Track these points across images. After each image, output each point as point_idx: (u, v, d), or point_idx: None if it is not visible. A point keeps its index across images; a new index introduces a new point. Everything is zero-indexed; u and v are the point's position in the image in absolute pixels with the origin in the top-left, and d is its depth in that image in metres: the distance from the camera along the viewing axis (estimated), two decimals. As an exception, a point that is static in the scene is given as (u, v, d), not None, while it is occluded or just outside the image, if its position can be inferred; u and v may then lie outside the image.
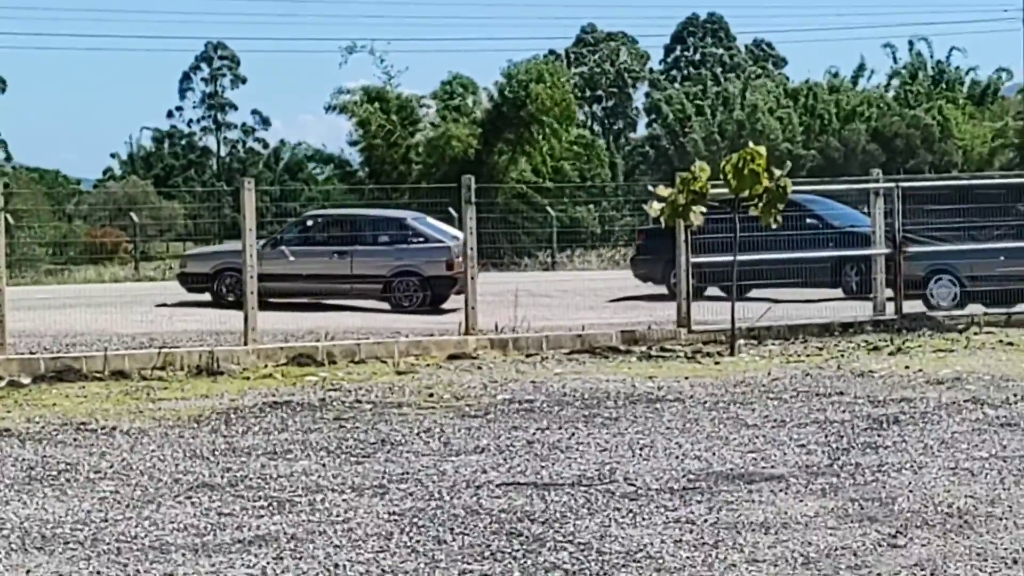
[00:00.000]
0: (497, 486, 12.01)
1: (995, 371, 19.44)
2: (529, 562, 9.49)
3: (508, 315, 25.12)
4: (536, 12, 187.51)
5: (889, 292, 26.34)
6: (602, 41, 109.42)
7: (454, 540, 10.12)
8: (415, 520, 10.76)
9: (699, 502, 11.26)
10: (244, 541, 10.18)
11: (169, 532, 10.49)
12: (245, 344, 21.94)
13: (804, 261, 28.42)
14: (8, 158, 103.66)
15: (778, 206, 23.13)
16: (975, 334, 24.51)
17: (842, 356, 21.73)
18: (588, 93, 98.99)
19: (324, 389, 18.67)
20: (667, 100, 79.20)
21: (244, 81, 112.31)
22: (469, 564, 9.46)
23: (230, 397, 17.98)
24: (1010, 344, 23.01)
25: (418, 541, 10.10)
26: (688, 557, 9.55)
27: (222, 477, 12.60)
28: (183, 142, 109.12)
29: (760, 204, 22.96)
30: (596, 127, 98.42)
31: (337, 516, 10.95)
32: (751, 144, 24.07)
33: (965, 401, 16.61)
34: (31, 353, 21.43)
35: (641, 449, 13.72)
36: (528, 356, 22.34)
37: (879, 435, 14.34)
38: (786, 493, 11.57)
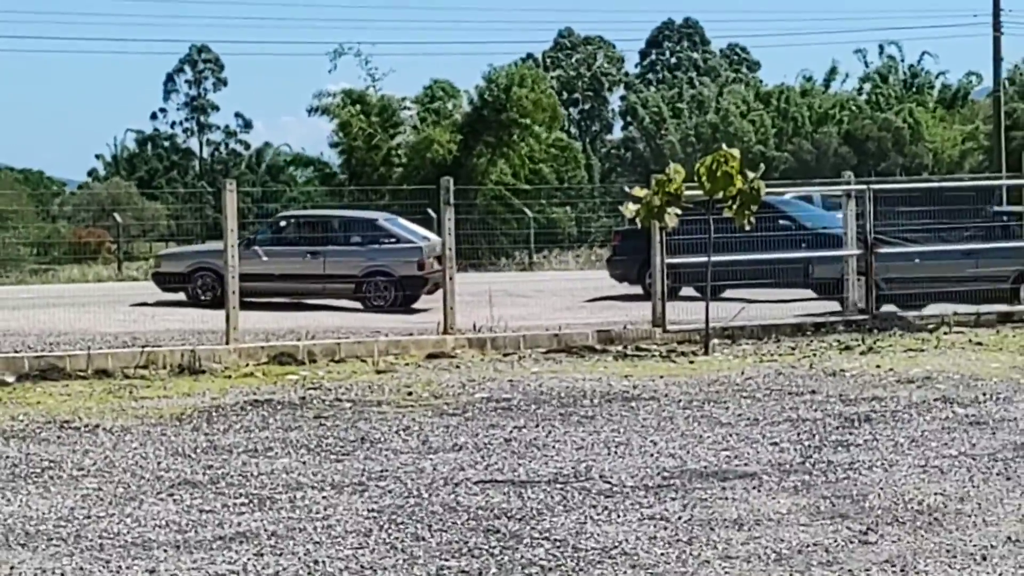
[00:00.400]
0: (475, 483, 12.02)
1: (964, 370, 19.48)
2: (506, 558, 9.50)
3: (486, 314, 25.14)
4: (516, 16, 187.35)
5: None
6: (579, 45, 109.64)
7: (432, 537, 10.13)
8: (394, 517, 10.76)
9: (673, 499, 11.27)
10: (225, 538, 10.17)
11: (151, 529, 10.48)
12: (227, 343, 21.93)
13: (777, 262, 28.46)
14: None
15: (751, 208, 23.16)
16: (945, 334, 24.54)
17: (814, 355, 21.75)
18: (565, 96, 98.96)
19: (305, 388, 18.66)
20: (643, 103, 79.35)
21: (227, 83, 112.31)
22: (447, 560, 9.47)
23: (212, 396, 17.96)
24: (979, 344, 23.05)
25: (397, 538, 10.10)
26: (662, 553, 9.56)
27: (204, 475, 12.59)
28: (166, 144, 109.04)
29: (734, 206, 22.99)
30: (573, 130, 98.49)
31: (317, 513, 10.95)
32: (725, 147, 24.10)
33: (935, 400, 16.64)
34: (15, 352, 21.39)
35: (616, 447, 13.73)
36: (506, 355, 22.34)
37: (850, 433, 14.36)
38: (759, 490, 11.59)
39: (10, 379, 19.66)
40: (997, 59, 66.92)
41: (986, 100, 72.54)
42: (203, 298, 31.84)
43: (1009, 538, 9.84)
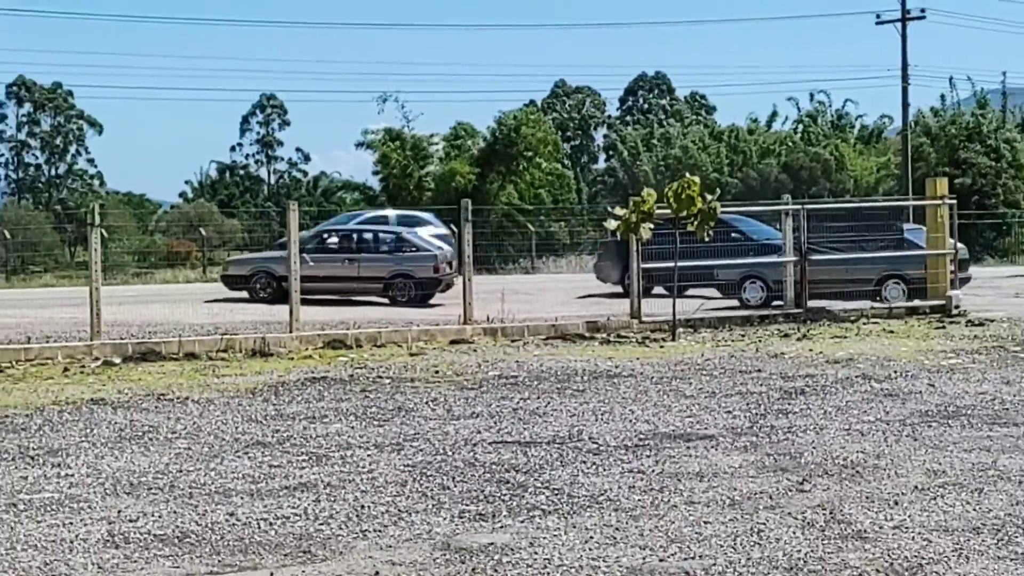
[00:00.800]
0: (489, 444, 12.01)
1: (880, 353, 19.47)
2: (515, 503, 9.49)
3: (497, 308, 25.14)
4: (520, 70, 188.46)
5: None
6: (571, 93, 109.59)
7: (455, 486, 10.12)
8: (425, 470, 10.75)
9: (648, 456, 11.26)
10: (290, 487, 10.17)
11: (230, 480, 10.48)
12: (290, 331, 21.93)
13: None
14: (103, 184, 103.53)
15: (709, 223, 23.20)
16: (864, 324, 24.54)
17: (760, 341, 21.74)
18: (559, 134, 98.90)
19: (352, 367, 18.66)
20: (622, 139, 79.11)
21: (289, 124, 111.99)
22: (467, 505, 9.46)
23: (278, 374, 17.96)
24: (891, 332, 23.04)
25: (427, 487, 10.10)
26: (639, 500, 9.55)
27: (272, 437, 12.59)
28: (241, 172, 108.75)
29: (695, 222, 23.03)
30: (566, 161, 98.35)
31: (363, 468, 10.95)
32: (688, 175, 24.16)
33: (856, 377, 16.63)
34: (121, 339, 21.41)
35: (602, 415, 13.72)
36: (513, 341, 22.34)
37: (789, 403, 14.35)
38: (716, 449, 11.58)
39: (117, 361, 19.69)
40: (905, 104, 66.92)
41: (896, 137, 72.39)
42: (261, 295, 31.91)
43: (916, 487, 9.83)
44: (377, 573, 7.72)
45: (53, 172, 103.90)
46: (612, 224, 23.94)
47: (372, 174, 69.66)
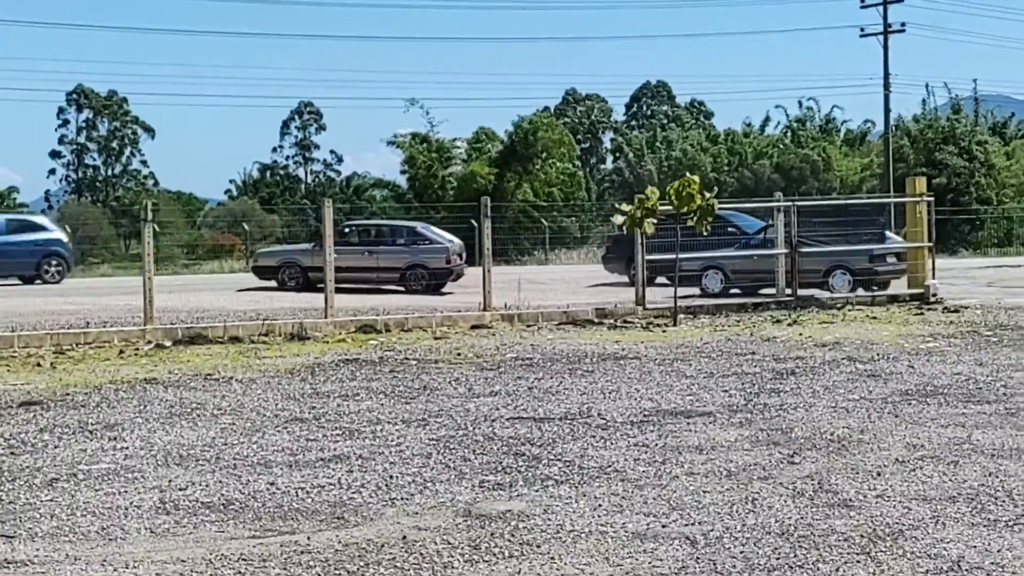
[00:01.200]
0: (507, 420, 12.00)
1: (864, 337, 19.42)
2: (530, 474, 9.48)
3: (514, 296, 25.13)
4: (535, 78, 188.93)
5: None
6: (581, 100, 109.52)
7: (476, 458, 10.12)
8: (448, 444, 10.75)
9: (651, 431, 11.24)
10: (325, 459, 10.18)
11: (271, 452, 10.49)
12: (325, 317, 21.93)
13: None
14: (155, 183, 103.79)
15: (708, 219, 23.17)
16: (849, 311, 24.49)
17: (754, 327, 21.70)
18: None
19: (382, 350, 18.66)
20: (628, 142, 79.09)
21: (325, 128, 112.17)
22: (487, 476, 9.46)
23: (314, 356, 17.97)
24: (874, 318, 22.98)
25: (450, 459, 10.09)
26: (644, 471, 9.53)
27: (309, 413, 12.60)
28: (281, 172, 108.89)
29: (695, 217, 22.99)
30: (576, 162, 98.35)
31: (392, 441, 10.95)
32: (688, 174, 24.15)
33: (842, 359, 16.59)
34: (171, 324, 21.44)
35: (610, 393, 13.71)
36: (528, 326, 22.32)
37: (780, 383, 14.32)
38: (714, 425, 11.56)
39: (168, 344, 19.71)
40: (887, 110, 66.92)
41: (879, 140, 72.25)
42: (289, 284, 31.95)
43: (897, 460, 9.80)
44: (404, 537, 7.72)
45: (110, 172, 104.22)
46: (619, 219, 23.92)
47: (400, 173, 69.82)
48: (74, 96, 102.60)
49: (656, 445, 10.56)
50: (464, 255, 33.45)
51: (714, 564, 7.06)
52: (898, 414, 12.03)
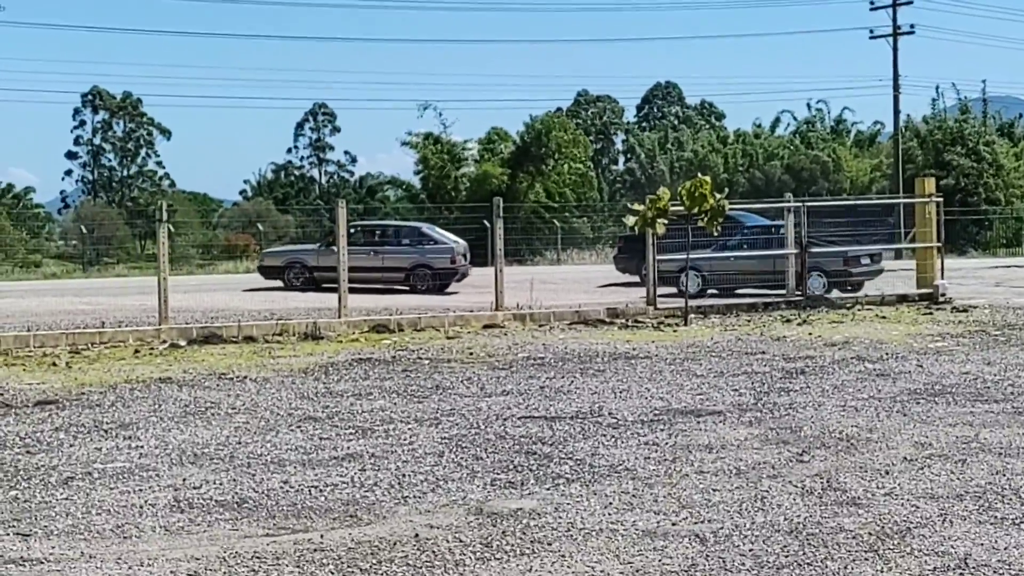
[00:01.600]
0: (518, 418, 12.01)
1: (872, 337, 19.39)
2: (541, 472, 9.49)
3: (526, 296, 25.14)
4: (547, 80, 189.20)
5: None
6: (592, 101, 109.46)
7: (488, 457, 10.13)
8: (460, 442, 10.76)
9: (662, 430, 11.24)
10: (338, 457, 10.19)
11: (285, 451, 10.51)
12: (339, 317, 21.96)
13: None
14: (172, 184, 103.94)
15: (719, 219, 23.15)
16: (858, 311, 24.46)
17: (764, 326, 21.68)
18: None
19: (395, 349, 18.67)
20: (639, 143, 79.03)
21: (339, 130, 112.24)
22: (498, 474, 9.46)
23: (328, 355, 17.99)
24: (883, 318, 22.95)
25: (462, 457, 10.10)
26: (654, 469, 9.54)
27: (322, 412, 12.61)
28: (296, 173, 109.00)
29: (706, 218, 22.97)
30: (588, 162, 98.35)
31: (404, 440, 10.96)
32: (699, 175, 24.14)
33: (851, 358, 16.57)
34: (186, 324, 21.48)
35: (621, 392, 13.71)
36: (540, 326, 22.32)
37: (790, 382, 14.31)
38: (724, 424, 11.55)
39: (182, 343, 19.75)
40: (896, 112, 66.77)
41: (888, 142, 72.12)
42: (295, 284, 31.99)
43: (905, 458, 9.80)
44: (417, 535, 7.74)
45: (125, 173, 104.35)
46: (630, 220, 23.89)
47: (414, 174, 69.89)
48: (90, 97, 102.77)
49: (666, 444, 10.56)
50: (468, 255, 33.47)
51: (723, 562, 7.07)
52: (907, 413, 12.01)
